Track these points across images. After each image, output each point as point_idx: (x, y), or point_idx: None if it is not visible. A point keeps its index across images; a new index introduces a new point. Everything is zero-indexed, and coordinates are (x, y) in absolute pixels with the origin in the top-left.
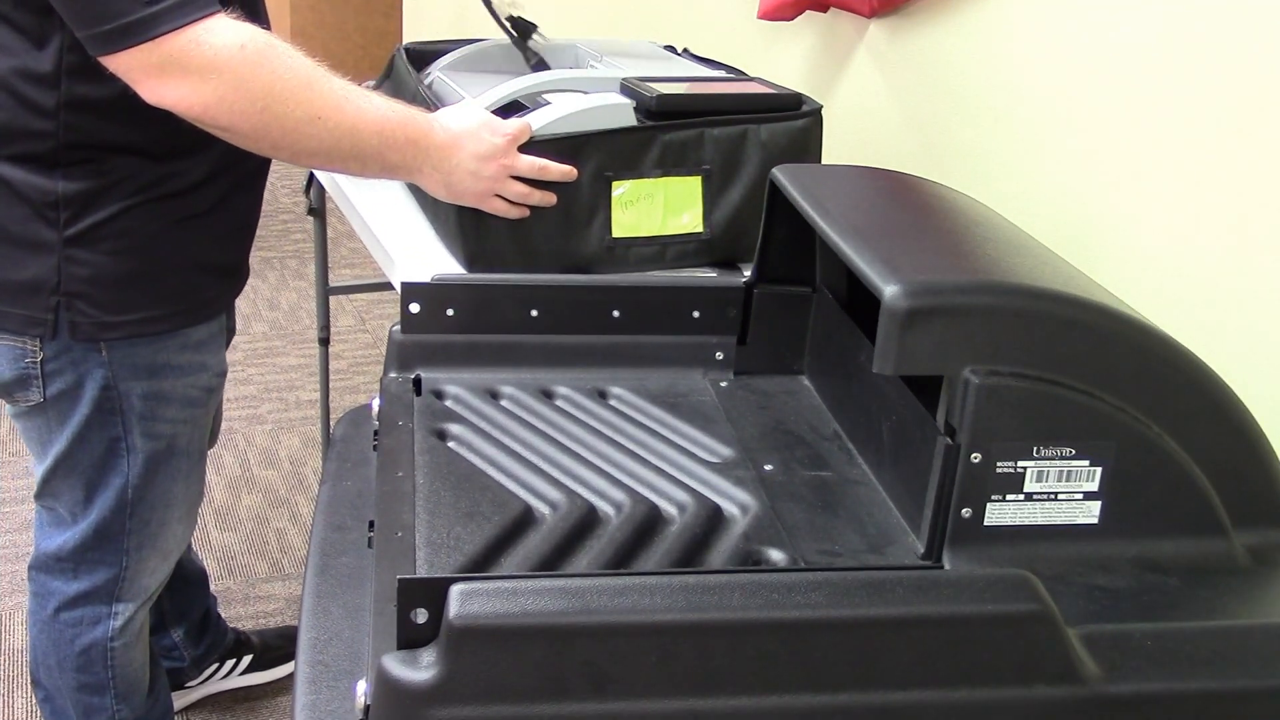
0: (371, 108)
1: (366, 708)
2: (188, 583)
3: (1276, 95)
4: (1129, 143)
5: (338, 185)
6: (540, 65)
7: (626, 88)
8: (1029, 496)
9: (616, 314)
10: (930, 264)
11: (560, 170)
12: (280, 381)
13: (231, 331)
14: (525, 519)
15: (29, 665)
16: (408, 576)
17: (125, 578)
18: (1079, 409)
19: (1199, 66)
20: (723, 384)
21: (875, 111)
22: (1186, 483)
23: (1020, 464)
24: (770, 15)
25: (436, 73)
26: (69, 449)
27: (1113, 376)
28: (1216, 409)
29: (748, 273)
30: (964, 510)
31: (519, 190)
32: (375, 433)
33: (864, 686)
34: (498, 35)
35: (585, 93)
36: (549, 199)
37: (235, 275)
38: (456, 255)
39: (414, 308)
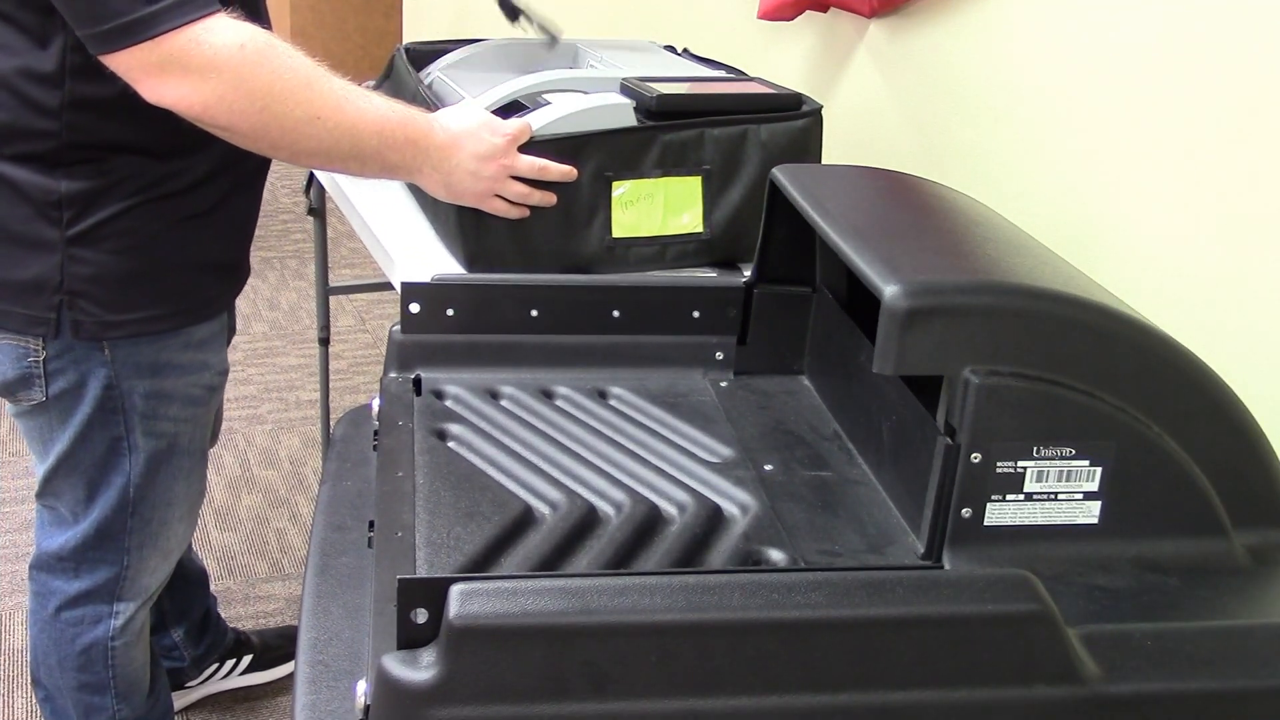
0: (371, 108)
1: (366, 708)
2: (188, 582)
3: (1276, 95)
4: (1129, 143)
5: (338, 185)
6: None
7: (626, 88)
8: (1029, 496)
9: (616, 314)
10: (930, 264)
11: (560, 170)
12: (280, 381)
13: (232, 330)
14: (525, 519)
15: (29, 665)
16: (408, 576)
17: (126, 577)
18: (1079, 409)
19: (1199, 66)
20: (723, 384)
21: (875, 111)
22: (1186, 483)
23: (1020, 464)
24: (770, 15)
25: (436, 73)
26: (71, 448)
27: (1113, 376)
28: (1216, 409)
29: (748, 273)
30: (964, 510)
31: (519, 190)
32: (375, 433)
33: (864, 686)
34: (497, 35)
35: (585, 93)
36: (549, 199)
37: (236, 274)
38: (456, 255)
39: (414, 308)
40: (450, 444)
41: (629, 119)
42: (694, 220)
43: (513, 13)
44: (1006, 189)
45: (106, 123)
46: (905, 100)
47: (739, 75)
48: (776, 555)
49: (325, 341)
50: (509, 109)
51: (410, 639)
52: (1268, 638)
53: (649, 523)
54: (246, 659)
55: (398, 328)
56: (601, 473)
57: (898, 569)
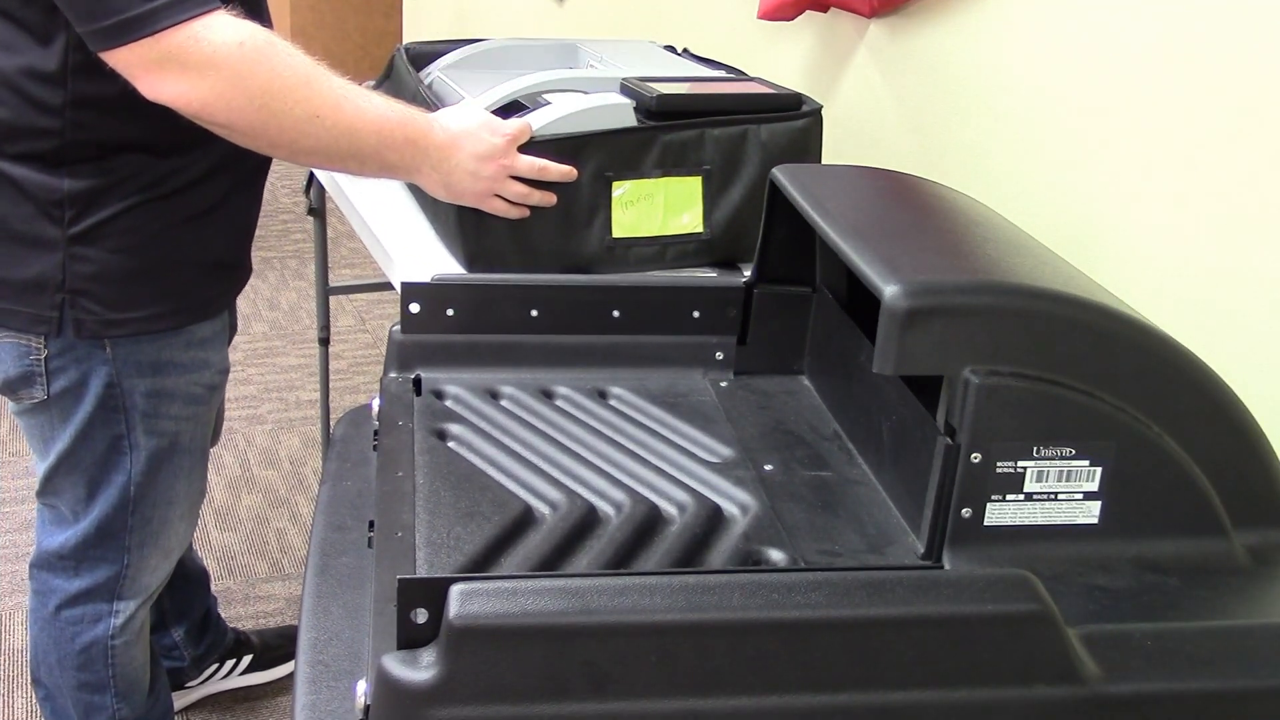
0: (370, 107)
1: (366, 708)
2: (189, 582)
3: (1276, 95)
4: (1129, 142)
5: (337, 185)
6: None
7: (626, 88)
8: (1029, 496)
9: (616, 314)
10: (930, 264)
11: (560, 170)
12: (280, 381)
13: (234, 329)
14: (525, 519)
15: (30, 664)
16: (408, 576)
17: (126, 575)
18: (1079, 409)
19: (1199, 66)
20: (723, 384)
21: (875, 111)
22: (1186, 483)
23: (1020, 464)
24: (770, 15)
25: (436, 73)
26: (72, 446)
27: (1113, 376)
28: (1216, 409)
29: (748, 273)
30: (964, 510)
31: (518, 190)
32: (375, 433)
33: (864, 686)
34: (497, 35)
35: (585, 93)
36: (549, 199)
37: (238, 273)
38: (456, 255)
39: (414, 308)
40: (450, 444)
41: (629, 119)
42: (694, 220)
43: None
44: (1006, 189)
45: (109, 121)
46: (905, 100)
47: (739, 75)
48: (776, 555)
49: (325, 341)
50: (509, 109)
51: (410, 639)
52: (1268, 638)
53: (649, 523)
54: (246, 659)
55: (398, 328)
56: (601, 473)
57: (898, 569)
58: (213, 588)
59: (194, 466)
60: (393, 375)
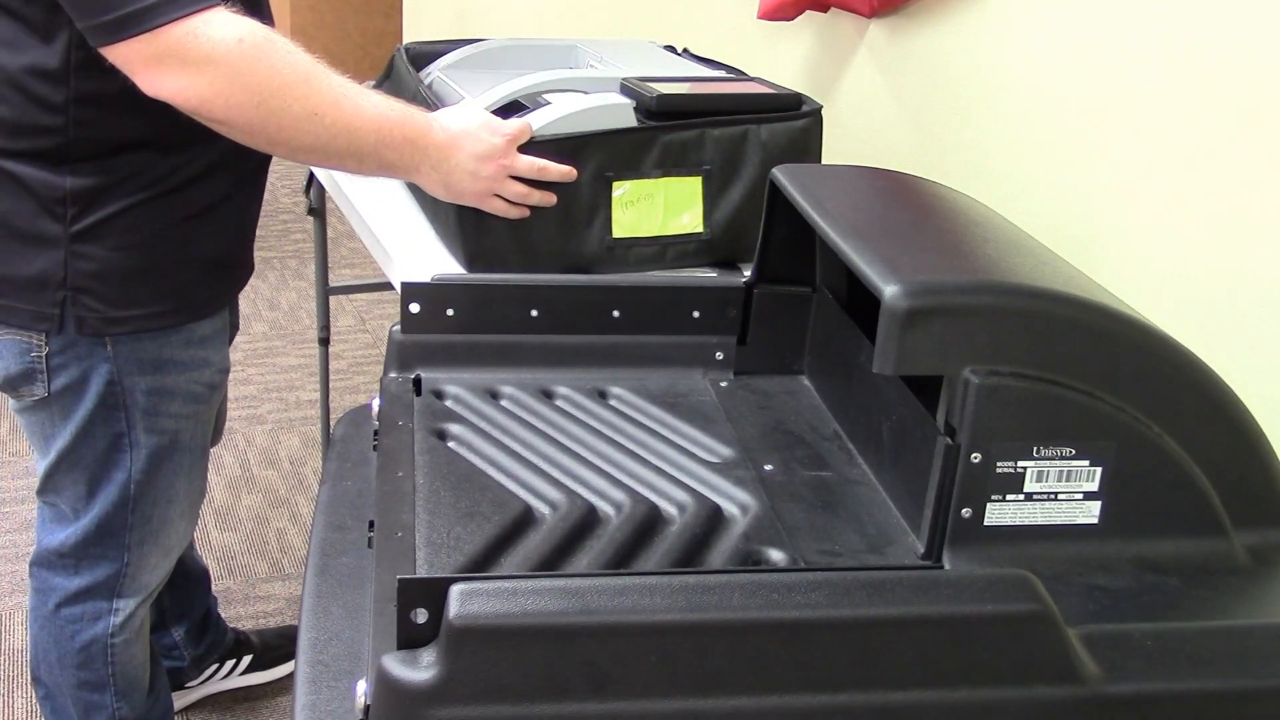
0: (370, 106)
1: (366, 708)
2: (189, 581)
3: (1276, 95)
4: (1129, 142)
5: (337, 185)
6: None
7: (626, 88)
8: (1029, 496)
9: (616, 314)
10: (930, 264)
11: (560, 170)
12: (280, 381)
13: (234, 328)
14: (525, 519)
15: (29, 663)
16: (408, 576)
17: (126, 574)
18: (1079, 409)
19: (1199, 66)
20: (723, 384)
21: (875, 111)
22: (1186, 483)
23: (1020, 464)
24: (770, 15)
25: (436, 73)
26: (72, 444)
27: (1113, 376)
28: (1216, 409)
29: (748, 273)
30: (964, 510)
31: (518, 190)
32: (375, 433)
33: (864, 686)
34: (497, 35)
35: (585, 93)
36: (549, 199)
37: (239, 271)
38: (456, 255)
39: (414, 308)
40: (450, 444)
41: (629, 119)
42: (694, 220)
43: None
44: (1006, 189)
45: (111, 118)
46: (905, 100)
47: (739, 75)
48: (776, 555)
49: (325, 341)
50: (509, 109)
51: (410, 639)
52: (1268, 638)
53: (649, 523)
54: (246, 659)
55: (398, 328)
56: (601, 473)
57: (898, 569)
58: (213, 588)
59: (194, 465)
60: (393, 375)
